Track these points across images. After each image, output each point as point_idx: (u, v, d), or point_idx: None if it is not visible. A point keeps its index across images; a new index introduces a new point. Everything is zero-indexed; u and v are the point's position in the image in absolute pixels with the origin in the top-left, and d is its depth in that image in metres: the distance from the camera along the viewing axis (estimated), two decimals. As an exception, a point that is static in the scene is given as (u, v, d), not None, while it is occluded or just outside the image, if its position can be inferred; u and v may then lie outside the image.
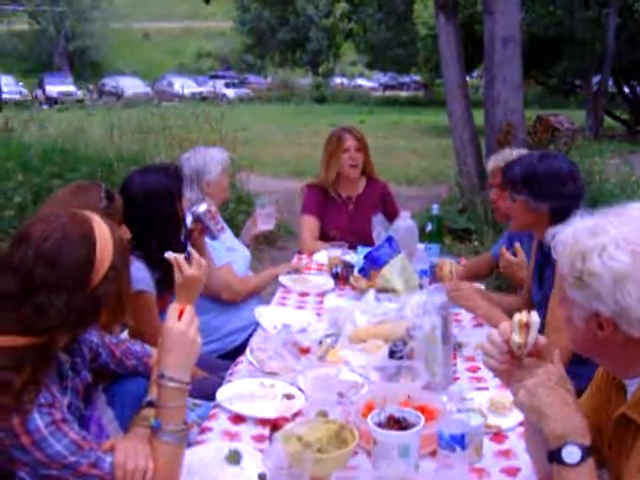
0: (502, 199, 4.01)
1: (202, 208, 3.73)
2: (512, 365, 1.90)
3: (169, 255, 2.99)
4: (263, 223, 4.71)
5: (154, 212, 3.39)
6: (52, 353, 2.10)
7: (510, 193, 3.28)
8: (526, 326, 1.86)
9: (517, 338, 1.86)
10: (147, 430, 2.19)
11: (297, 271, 4.47)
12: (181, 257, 2.95)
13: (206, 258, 3.87)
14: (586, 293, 1.70)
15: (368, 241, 4.59)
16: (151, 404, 2.28)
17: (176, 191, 3.53)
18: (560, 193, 3.11)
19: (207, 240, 3.92)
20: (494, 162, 4.15)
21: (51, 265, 1.97)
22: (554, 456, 1.77)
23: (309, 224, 5.13)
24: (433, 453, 2.24)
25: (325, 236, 5.09)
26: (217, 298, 4.09)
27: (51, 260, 1.97)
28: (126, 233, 3.03)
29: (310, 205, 5.17)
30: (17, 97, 33.60)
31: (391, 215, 5.05)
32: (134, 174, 3.62)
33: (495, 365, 1.92)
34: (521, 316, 1.87)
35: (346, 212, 5.16)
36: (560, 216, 3.03)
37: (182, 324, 2.16)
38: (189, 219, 3.75)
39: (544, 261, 3.25)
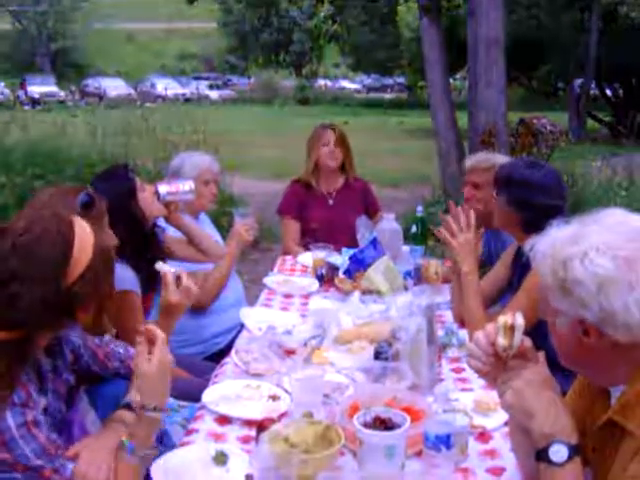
0: (474, 199, 4.09)
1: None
2: (497, 367, 1.92)
3: (160, 267, 2.99)
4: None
5: (112, 223, 3.36)
6: (29, 351, 2.09)
7: (494, 191, 3.36)
8: (511, 329, 1.87)
9: (502, 341, 1.87)
10: (116, 435, 2.20)
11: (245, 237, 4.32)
12: (172, 274, 2.95)
13: (192, 230, 3.93)
14: (570, 301, 1.71)
15: (348, 235, 4.69)
16: (129, 406, 2.29)
17: (125, 193, 3.48)
18: (532, 203, 3.15)
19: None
20: (471, 160, 4.20)
21: (26, 257, 1.98)
22: (541, 455, 1.78)
23: (289, 228, 5.23)
24: (419, 453, 2.25)
25: (306, 229, 5.18)
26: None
27: (26, 253, 1.99)
28: (112, 238, 3.00)
29: (288, 205, 5.27)
30: (-1, 98, 33.44)
31: (372, 211, 5.28)
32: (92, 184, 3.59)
33: (480, 367, 1.94)
34: (506, 318, 1.88)
35: (326, 207, 5.25)
36: (531, 225, 3.10)
37: (154, 365, 2.17)
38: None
39: (523, 271, 3.27)
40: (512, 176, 3.26)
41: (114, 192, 3.43)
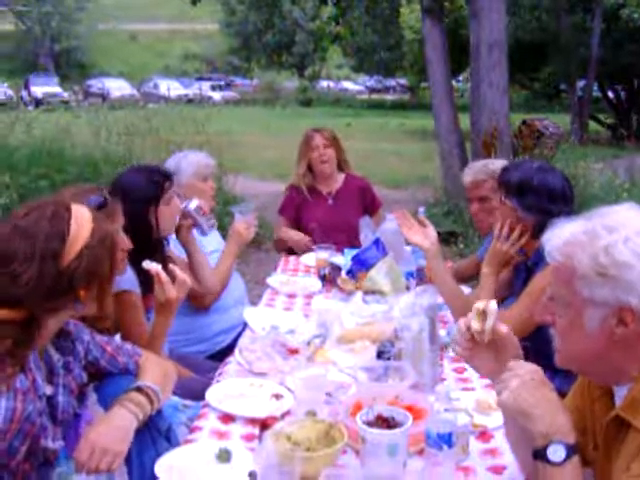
0: (482, 212, 4.02)
1: (193, 204, 3.79)
2: (476, 351, 2.03)
3: (148, 265, 3.01)
4: None
5: (123, 210, 3.39)
6: (34, 333, 2.13)
7: (501, 195, 3.30)
8: (484, 313, 1.98)
9: (475, 324, 1.99)
10: (127, 411, 2.33)
11: (245, 235, 4.27)
12: (163, 273, 2.98)
13: (196, 253, 3.91)
14: (612, 287, 1.69)
15: (347, 234, 4.84)
16: (139, 389, 2.41)
17: (151, 196, 3.50)
18: (547, 209, 3.11)
19: (197, 236, 3.96)
20: (471, 176, 4.07)
21: (25, 237, 2.07)
22: (539, 454, 1.80)
23: (281, 227, 5.45)
24: (421, 451, 2.27)
25: (305, 229, 5.29)
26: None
27: (25, 233, 2.08)
28: (124, 242, 3.03)
29: (285, 208, 5.46)
30: (2, 98, 33.40)
31: (373, 208, 5.44)
32: (127, 169, 3.72)
33: (460, 351, 2.05)
34: (479, 304, 1.99)
35: (326, 206, 5.35)
36: (544, 231, 3.10)
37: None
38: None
39: (527, 275, 3.28)
40: (527, 182, 3.19)
41: (138, 188, 3.47)
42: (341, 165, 5.41)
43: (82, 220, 2.16)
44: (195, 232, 3.92)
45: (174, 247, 3.93)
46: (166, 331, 3.15)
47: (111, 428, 2.25)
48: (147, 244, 3.44)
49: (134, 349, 2.66)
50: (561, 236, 1.81)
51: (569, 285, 1.79)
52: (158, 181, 3.54)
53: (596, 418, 1.95)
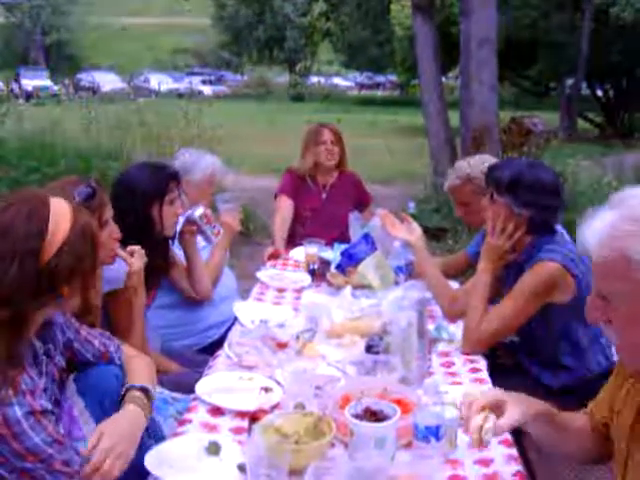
0: (468, 214, 4.09)
1: (198, 212, 3.84)
2: None
3: None
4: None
5: (127, 205, 3.39)
6: (24, 330, 2.14)
7: (492, 194, 3.29)
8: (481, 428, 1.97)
9: (475, 437, 1.97)
10: (139, 415, 2.34)
11: (235, 227, 4.33)
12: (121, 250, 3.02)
13: (196, 259, 3.93)
14: None
15: (338, 228, 4.91)
16: (146, 391, 2.45)
17: (155, 193, 3.52)
18: (541, 204, 3.12)
19: (200, 241, 4.00)
20: (448, 181, 4.10)
21: (4, 236, 2.05)
22: None
23: (282, 205, 5.38)
24: (409, 444, 2.29)
25: (298, 216, 5.36)
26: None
27: (4, 232, 2.06)
28: (115, 231, 3.03)
29: (286, 186, 5.45)
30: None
31: (364, 203, 5.55)
32: (134, 165, 3.76)
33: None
34: (481, 422, 1.98)
35: (319, 199, 5.43)
36: (537, 226, 3.12)
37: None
38: (181, 221, 3.81)
39: (518, 271, 3.29)
40: (519, 178, 3.18)
41: (142, 184, 3.49)
42: (341, 162, 5.48)
43: (61, 216, 2.14)
44: (200, 239, 3.97)
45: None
46: (141, 311, 3.22)
47: (132, 431, 2.26)
48: (150, 240, 3.46)
49: (109, 336, 2.66)
50: (599, 231, 1.76)
51: (626, 276, 1.73)
52: (163, 179, 3.56)
53: (623, 400, 1.99)
